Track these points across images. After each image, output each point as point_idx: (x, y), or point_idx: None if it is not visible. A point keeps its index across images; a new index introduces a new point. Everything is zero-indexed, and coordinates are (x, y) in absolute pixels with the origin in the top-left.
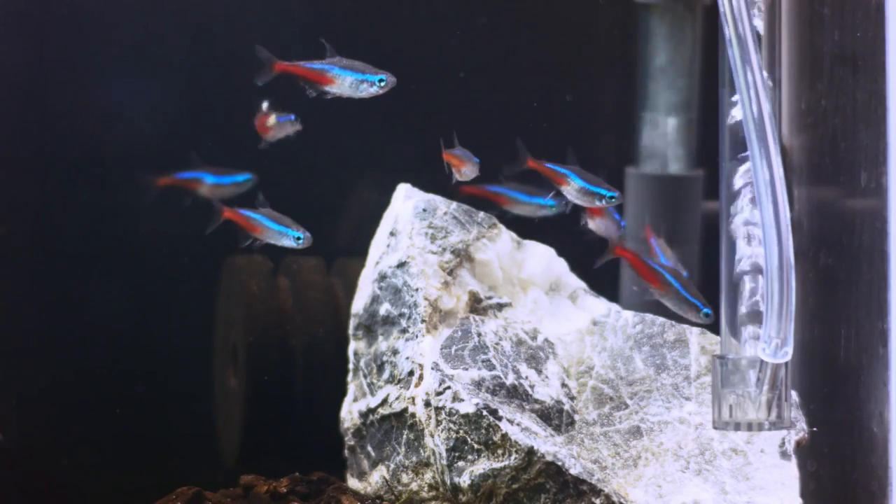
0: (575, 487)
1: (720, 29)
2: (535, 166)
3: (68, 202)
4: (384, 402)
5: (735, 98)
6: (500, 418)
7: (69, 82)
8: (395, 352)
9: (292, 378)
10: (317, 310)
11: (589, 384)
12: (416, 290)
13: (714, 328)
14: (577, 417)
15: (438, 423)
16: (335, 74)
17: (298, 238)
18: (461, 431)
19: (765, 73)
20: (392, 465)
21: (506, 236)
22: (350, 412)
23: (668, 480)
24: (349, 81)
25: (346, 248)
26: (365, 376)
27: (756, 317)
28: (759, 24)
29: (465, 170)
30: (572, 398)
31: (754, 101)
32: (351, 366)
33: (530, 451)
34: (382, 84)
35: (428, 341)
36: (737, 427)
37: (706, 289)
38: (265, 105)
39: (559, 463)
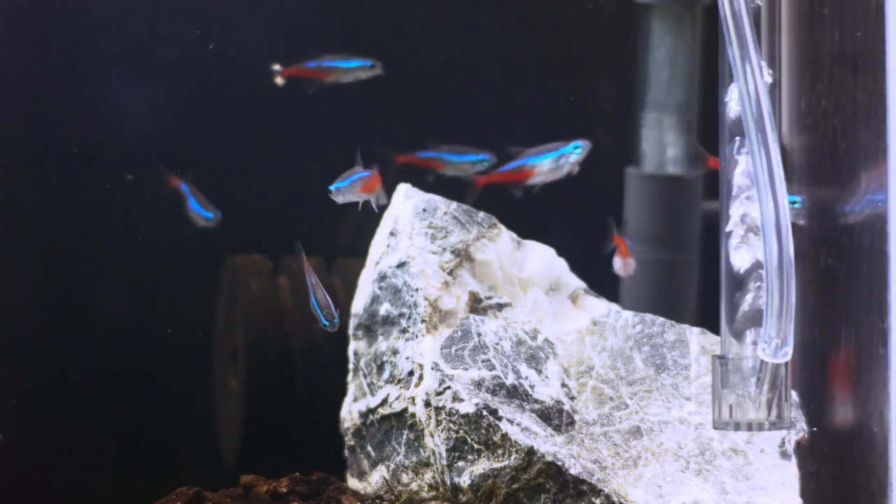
0: (575, 487)
1: (720, 28)
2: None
3: (68, 202)
4: (384, 402)
5: (734, 98)
6: (500, 418)
7: (69, 82)
8: (395, 352)
9: (292, 378)
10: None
11: (589, 384)
12: (416, 290)
13: (714, 328)
14: (577, 417)
15: (438, 423)
16: (532, 164)
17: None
18: (461, 431)
19: (765, 73)
20: (392, 465)
21: (506, 236)
22: (350, 412)
23: (668, 480)
24: (547, 165)
25: (346, 248)
26: (365, 376)
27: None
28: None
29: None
30: (572, 398)
31: (754, 100)
32: (351, 366)
33: (530, 451)
34: (579, 151)
35: (428, 341)
36: (737, 427)
37: (705, 288)
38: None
39: (559, 463)
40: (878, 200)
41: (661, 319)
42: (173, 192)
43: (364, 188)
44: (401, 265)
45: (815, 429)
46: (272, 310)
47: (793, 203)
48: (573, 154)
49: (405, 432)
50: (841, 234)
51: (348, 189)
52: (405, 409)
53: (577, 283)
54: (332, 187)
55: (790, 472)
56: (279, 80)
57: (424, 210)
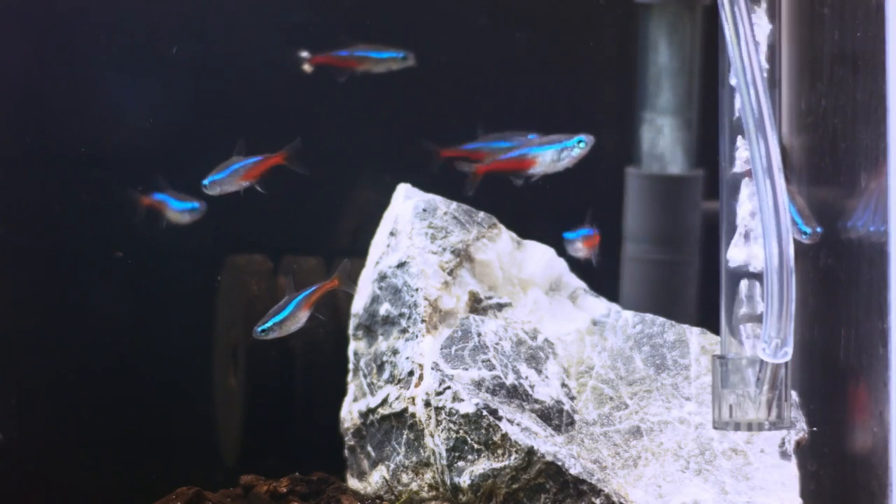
0: (575, 487)
1: (720, 28)
2: None
3: (68, 202)
4: (384, 402)
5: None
6: (500, 418)
7: (69, 82)
8: (395, 352)
9: (292, 378)
10: (317, 310)
11: (589, 384)
12: (416, 290)
13: (714, 328)
14: (577, 417)
15: (438, 423)
16: (535, 154)
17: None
18: (461, 431)
19: (764, 73)
20: (392, 465)
21: (506, 236)
22: (350, 412)
23: (668, 480)
24: (550, 155)
25: (346, 248)
26: (365, 376)
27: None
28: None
29: None
30: (572, 398)
31: (754, 100)
32: (351, 366)
33: (530, 451)
34: (583, 145)
35: (428, 341)
36: (737, 427)
37: (706, 288)
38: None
39: (559, 463)
40: (878, 200)
41: (661, 319)
42: (150, 209)
43: (245, 176)
44: (401, 265)
45: (815, 429)
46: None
47: (803, 234)
48: (576, 148)
49: (405, 432)
50: (841, 235)
51: (226, 180)
52: (405, 409)
53: (577, 283)
54: (206, 181)
55: (790, 472)
56: (307, 68)
57: (424, 210)
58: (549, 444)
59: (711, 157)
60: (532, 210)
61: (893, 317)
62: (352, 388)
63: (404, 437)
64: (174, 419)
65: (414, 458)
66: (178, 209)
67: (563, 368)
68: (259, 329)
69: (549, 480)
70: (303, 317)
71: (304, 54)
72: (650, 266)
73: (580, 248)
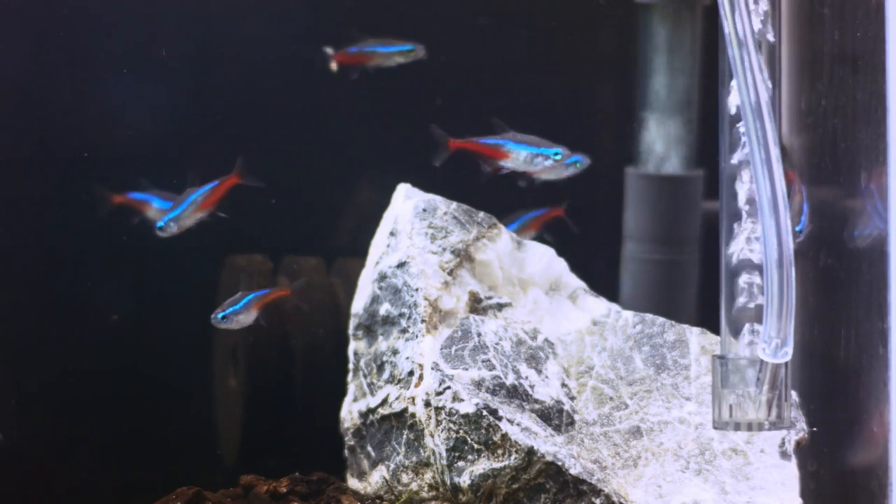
0: (575, 487)
1: (720, 28)
2: None
3: (68, 202)
4: (384, 402)
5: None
6: (500, 418)
7: (69, 82)
8: (394, 352)
9: (292, 378)
10: (317, 310)
11: (589, 384)
12: (416, 290)
13: (714, 328)
14: (577, 417)
15: (438, 423)
16: (509, 149)
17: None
18: (461, 431)
19: (765, 73)
20: (392, 465)
21: (506, 236)
22: (350, 412)
23: (668, 480)
24: (524, 156)
25: (346, 248)
26: (365, 376)
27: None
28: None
29: None
30: (572, 398)
31: (754, 99)
32: (351, 366)
33: (530, 451)
34: (558, 157)
35: (428, 341)
36: (737, 427)
37: (706, 288)
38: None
39: (559, 463)
40: (878, 200)
41: (661, 319)
42: (119, 208)
43: (203, 205)
44: (401, 265)
45: (815, 429)
46: (272, 310)
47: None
48: (549, 159)
49: (405, 432)
50: (841, 234)
51: (184, 215)
52: (405, 409)
53: (577, 283)
54: (160, 223)
55: (790, 472)
56: (333, 66)
57: (424, 210)
58: (549, 444)
59: (711, 157)
60: (532, 210)
61: (893, 317)
62: (352, 388)
63: (404, 437)
64: (174, 419)
65: (414, 458)
66: (167, 208)
67: (563, 368)
68: (220, 316)
69: (549, 480)
70: (253, 314)
71: (329, 51)
72: (650, 266)
73: (529, 232)
